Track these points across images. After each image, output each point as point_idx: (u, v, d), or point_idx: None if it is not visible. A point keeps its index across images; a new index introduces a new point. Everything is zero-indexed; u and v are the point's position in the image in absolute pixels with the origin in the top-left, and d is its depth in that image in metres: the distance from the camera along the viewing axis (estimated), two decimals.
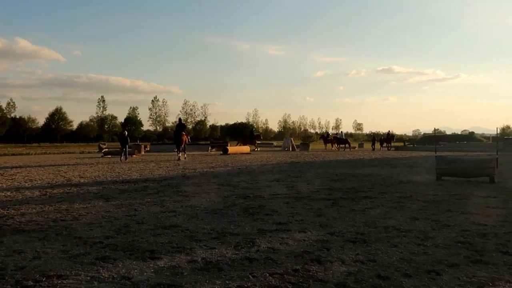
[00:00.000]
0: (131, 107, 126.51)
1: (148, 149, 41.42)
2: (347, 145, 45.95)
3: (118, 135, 52.77)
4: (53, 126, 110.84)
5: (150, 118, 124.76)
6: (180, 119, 25.94)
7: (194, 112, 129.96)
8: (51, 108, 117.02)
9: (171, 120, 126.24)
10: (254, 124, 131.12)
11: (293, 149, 43.37)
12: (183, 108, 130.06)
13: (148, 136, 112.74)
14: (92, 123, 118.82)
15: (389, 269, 4.29)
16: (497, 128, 24.00)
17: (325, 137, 50.92)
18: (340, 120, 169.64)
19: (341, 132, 57.96)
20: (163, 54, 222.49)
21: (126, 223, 6.59)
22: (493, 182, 11.77)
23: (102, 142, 62.55)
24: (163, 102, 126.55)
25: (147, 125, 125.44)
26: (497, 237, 5.61)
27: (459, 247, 5.13)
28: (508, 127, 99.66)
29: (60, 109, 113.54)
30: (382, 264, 4.45)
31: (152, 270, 4.29)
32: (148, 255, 4.80)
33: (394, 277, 4.06)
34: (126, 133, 25.87)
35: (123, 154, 24.19)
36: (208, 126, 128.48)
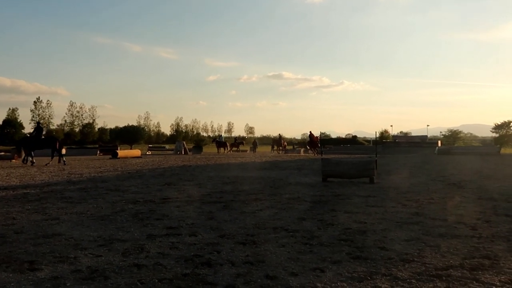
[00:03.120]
0: (10, 108, 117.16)
1: None
2: (223, 149, 46.55)
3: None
4: None
5: (32, 120, 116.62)
6: (38, 122, 25.15)
7: (82, 115, 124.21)
8: None
9: (56, 122, 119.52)
10: (146, 127, 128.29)
11: (186, 153, 43.11)
12: (69, 110, 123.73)
13: None
14: None
15: (277, 269, 4.41)
16: (376, 132, 25.76)
17: (218, 141, 50.80)
18: (233, 123, 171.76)
19: (220, 135, 58.90)
20: (49, 53, 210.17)
21: (2, 233, 6.09)
22: (372, 182, 12.61)
23: None
24: (47, 103, 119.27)
25: (28, 128, 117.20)
26: (376, 233, 6.01)
27: (341, 244, 5.41)
28: (386, 131, 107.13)
29: None
30: (271, 264, 4.56)
31: (31, 283, 4.01)
32: (27, 267, 4.48)
33: (281, 276, 4.17)
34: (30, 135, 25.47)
35: (29, 157, 23.33)
36: (96, 129, 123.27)
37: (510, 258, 4.79)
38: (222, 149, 46.56)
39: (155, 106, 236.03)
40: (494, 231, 6.16)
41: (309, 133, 42.99)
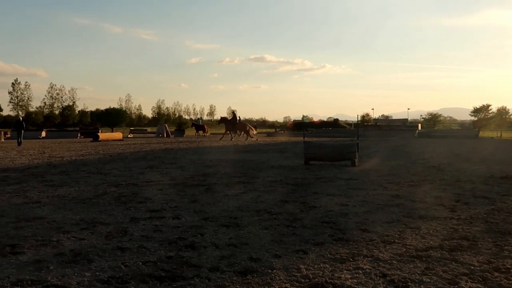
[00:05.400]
0: None
1: (9, 136, 38.31)
2: (202, 132, 46.41)
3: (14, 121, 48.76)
4: None
5: (10, 102, 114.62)
6: None
7: (61, 97, 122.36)
8: None
9: (35, 104, 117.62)
10: (127, 110, 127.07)
11: (168, 136, 42.89)
12: (48, 92, 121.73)
13: (8, 122, 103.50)
14: None
15: (261, 251, 4.45)
16: (357, 115, 25.85)
17: (196, 124, 50.19)
18: (215, 106, 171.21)
19: (199, 118, 58.67)
20: (27, 34, 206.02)
21: None
22: (354, 165, 12.72)
23: None
24: (25, 85, 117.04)
25: (7, 110, 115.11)
26: (357, 216, 6.10)
27: (324, 226, 5.47)
28: (367, 114, 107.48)
29: None
30: (254, 247, 4.60)
31: (13, 266, 3.99)
32: (8, 250, 4.44)
33: (265, 258, 4.22)
34: (21, 118, 27.44)
35: (18, 139, 24.47)
36: (77, 111, 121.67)
37: (488, 239, 4.91)
38: (201, 132, 46.39)
39: (136, 89, 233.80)
40: (472, 212, 6.29)
41: (232, 113, 37.30)
